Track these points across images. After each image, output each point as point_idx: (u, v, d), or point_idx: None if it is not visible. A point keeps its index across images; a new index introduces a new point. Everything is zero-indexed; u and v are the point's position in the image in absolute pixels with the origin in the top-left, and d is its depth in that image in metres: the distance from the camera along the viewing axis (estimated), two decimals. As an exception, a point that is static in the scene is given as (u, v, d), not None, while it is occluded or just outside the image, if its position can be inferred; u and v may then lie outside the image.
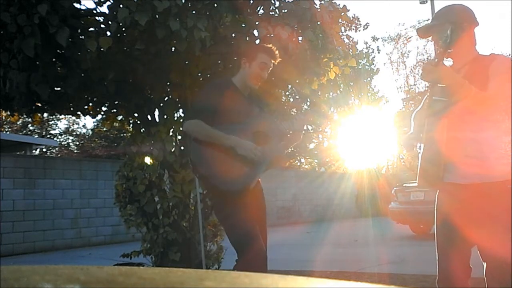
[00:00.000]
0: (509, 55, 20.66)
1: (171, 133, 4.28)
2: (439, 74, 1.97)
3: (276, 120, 2.74)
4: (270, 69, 2.73)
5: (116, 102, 4.55)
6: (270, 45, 2.77)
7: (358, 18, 18.24)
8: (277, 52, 2.74)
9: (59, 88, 3.86)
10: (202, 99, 2.70)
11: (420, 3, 15.02)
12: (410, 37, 24.40)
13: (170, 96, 4.32)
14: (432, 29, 2.19)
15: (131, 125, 4.64)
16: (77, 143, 20.44)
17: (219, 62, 4.13)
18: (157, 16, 3.17)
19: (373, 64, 21.50)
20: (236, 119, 2.55)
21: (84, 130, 20.67)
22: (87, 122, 32.88)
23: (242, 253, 2.52)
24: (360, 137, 19.21)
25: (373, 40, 24.44)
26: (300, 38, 3.79)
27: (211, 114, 2.54)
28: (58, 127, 20.30)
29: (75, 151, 19.87)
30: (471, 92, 1.93)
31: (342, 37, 4.28)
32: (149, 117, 4.39)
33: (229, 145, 2.48)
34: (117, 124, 4.93)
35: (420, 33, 2.28)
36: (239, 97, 2.63)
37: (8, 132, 16.01)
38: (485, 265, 2.02)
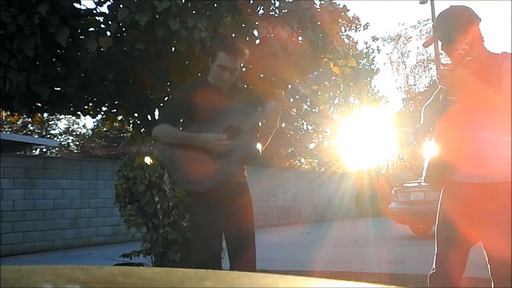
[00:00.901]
0: (509, 55, 20.60)
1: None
2: (457, 79, 1.96)
3: (249, 112, 2.51)
4: (236, 69, 2.51)
5: (116, 102, 4.55)
6: (234, 41, 2.60)
7: (358, 18, 18.23)
8: (240, 47, 2.51)
9: (59, 88, 3.86)
10: (170, 102, 2.67)
11: (420, 3, 15.03)
12: (410, 37, 24.42)
13: (170, 96, 4.33)
14: (438, 39, 2.16)
15: (131, 125, 4.65)
16: (77, 143, 20.45)
17: (219, 62, 4.13)
18: (157, 16, 3.17)
19: (373, 64, 21.51)
20: (210, 116, 2.45)
21: (84, 130, 20.70)
22: (87, 122, 32.87)
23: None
24: (360, 137, 19.25)
25: (373, 40, 24.47)
26: (300, 38, 3.79)
27: (182, 115, 2.51)
28: (58, 127, 20.33)
29: (75, 151, 19.88)
30: (489, 96, 1.93)
31: (342, 37, 4.28)
32: (149, 117, 4.39)
33: (196, 145, 2.41)
34: (117, 124, 4.94)
35: (426, 45, 2.27)
36: (213, 94, 2.52)
37: (8, 132, 16.01)
38: (489, 265, 2.02)
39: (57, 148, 18.64)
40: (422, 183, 2.21)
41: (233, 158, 2.45)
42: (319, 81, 2.66)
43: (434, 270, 2.11)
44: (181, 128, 2.60)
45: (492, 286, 2.01)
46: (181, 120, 2.62)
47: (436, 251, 2.13)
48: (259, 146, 2.55)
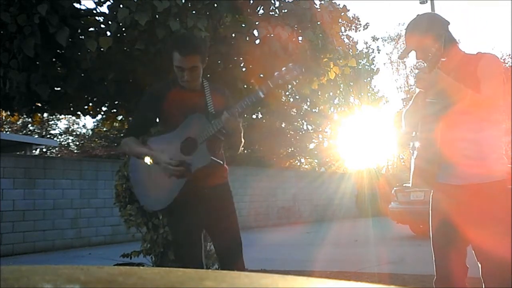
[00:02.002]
0: (509, 55, 20.65)
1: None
2: (434, 81, 1.97)
3: (206, 123, 2.37)
4: (196, 67, 2.33)
5: (116, 102, 4.55)
6: (187, 39, 2.42)
7: (358, 18, 18.27)
8: (193, 46, 2.32)
9: (59, 88, 3.86)
10: (136, 113, 2.66)
11: (420, 3, 15.01)
12: (410, 37, 24.38)
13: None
14: (413, 48, 2.15)
15: (131, 125, 4.65)
16: (77, 143, 20.45)
17: (219, 62, 4.13)
18: (157, 16, 3.18)
19: (373, 64, 21.51)
20: (176, 120, 2.38)
21: (84, 130, 20.69)
22: (87, 122, 32.84)
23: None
24: (360, 137, 19.25)
25: (373, 40, 24.51)
26: (300, 38, 3.80)
27: (154, 116, 2.49)
28: (58, 127, 20.32)
29: (75, 151, 19.87)
30: (467, 95, 1.94)
31: (342, 37, 4.29)
32: (149, 117, 4.38)
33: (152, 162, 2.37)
34: (117, 124, 4.93)
35: (402, 58, 2.28)
36: (181, 95, 2.41)
37: (8, 132, 16.00)
38: (480, 265, 2.01)
39: (57, 148, 18.64)
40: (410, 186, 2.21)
41: (192, 171, 2.33)
42: (284, 81, 2.43)
43: (436, 276, 2.10)
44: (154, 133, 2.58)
45: (483, 287, 2.00)
46: (157, 120, 2.57)
47: (434, 257, 2.12)
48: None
